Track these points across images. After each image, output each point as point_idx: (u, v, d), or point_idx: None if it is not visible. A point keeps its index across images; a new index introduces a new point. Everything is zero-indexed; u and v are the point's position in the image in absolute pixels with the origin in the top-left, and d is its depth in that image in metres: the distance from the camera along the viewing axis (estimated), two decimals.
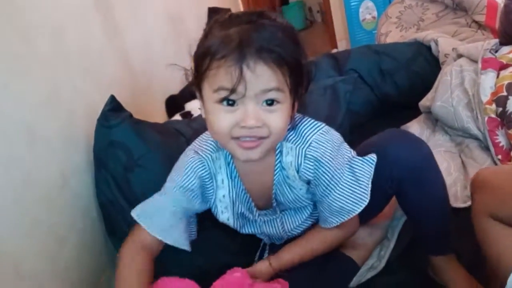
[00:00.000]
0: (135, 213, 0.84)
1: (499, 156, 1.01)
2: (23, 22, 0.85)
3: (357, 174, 0.78)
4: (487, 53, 1.07)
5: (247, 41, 0.64)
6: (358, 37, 3.01)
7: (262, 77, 0.65)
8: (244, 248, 0.99)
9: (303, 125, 0.79)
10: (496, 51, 1.08)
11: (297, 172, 0.78)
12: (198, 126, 1.12)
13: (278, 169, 0.80)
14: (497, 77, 1.03)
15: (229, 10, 2.65)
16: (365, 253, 0.95)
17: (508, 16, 1.06)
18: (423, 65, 1.37)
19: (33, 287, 0.77)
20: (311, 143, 0.76)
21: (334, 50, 3.32)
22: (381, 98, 1.36)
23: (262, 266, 0.85)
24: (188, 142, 1.04)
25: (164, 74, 1.73)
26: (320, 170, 0.77)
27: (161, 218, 0.83)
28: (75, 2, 1.10)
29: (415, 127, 1.25)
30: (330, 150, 0.77)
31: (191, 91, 1.83)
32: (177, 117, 1.64)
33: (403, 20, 1.65)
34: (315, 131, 0.77)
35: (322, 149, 0.76)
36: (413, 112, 1.32)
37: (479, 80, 1.05)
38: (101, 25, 1.22)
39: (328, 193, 0.78)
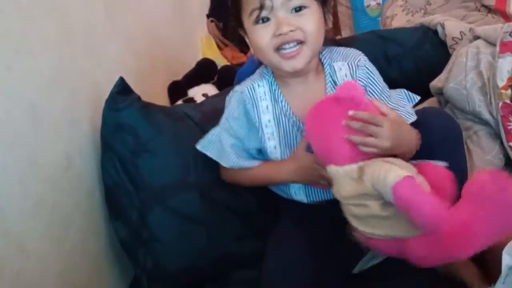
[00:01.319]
0: (199, 146, 0.95)
1: (511, 143, 1.00)
2: (27, 2, 0.84)
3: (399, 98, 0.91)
4: (507, 36, 1.04)
5: None
6: (362, 25, 2.97)
7: None
8: None
9: (346, 50, 0.92)
10: None
11: (353, 79, 0.87)
12: (207, 110, 1.10)
13: (329, 87, 0.89)
14: None
15: None
16: None
17: None
18: (429, 50, 1.35)
19: (39, 267, 0.77)
20: (360, 58, 0.90)
21: (338, 37, 3.29)
22: (387, 84, 1.34)
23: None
24: (197, 125, 1.03)
25: (169, 57, 1.72)
26: (372, 79, 0.89)
27: (219, 146, 0.92)
28: None
29: None
30: (374, 70, 0.91)
31: (195, 76, 1.83)
32: (180, 103, 1.63)
33: (409, 3, 1.63)
34: (359, 54, 0.91)
35: (370, 64, 0.91)
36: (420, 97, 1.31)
37: (496, 64, 1.02)
38: (104, 6, 1.21)
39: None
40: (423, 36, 1.36)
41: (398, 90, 0.93)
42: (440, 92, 1.17)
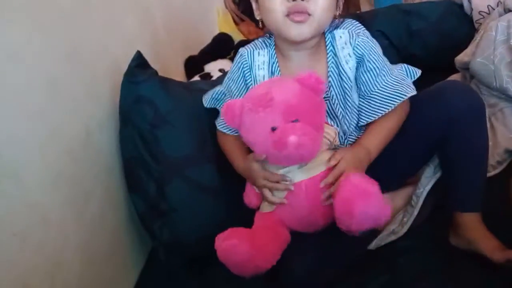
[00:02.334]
0: (204, 100, 1.02)
1: None
2: None
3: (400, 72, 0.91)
4: None
5: None
6: (382, 0, 2.90)
7: None
8: None
9: (351, 22, 0.91)
10: None
11: (352, 46, 0.87)
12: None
13: (330, 57, 0.89)
14: None
15: None
16: None
17: None
18: (454, 24, 1.31)
19: (60, 235, 0.79)
20: (360, 28, 0.90)
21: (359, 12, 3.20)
22: (407, 60, 1.31)
23: (361, 154, 0.84)
24: None
25: (185, 31, 1.71)
26: (372, 49, 0.87)
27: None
28: None
29: None
30: (376, 44, 0.90)
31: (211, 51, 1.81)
32: (196, 78, 1.62)
33: None
34: (363, 28, 0.90)
35: (372, 39, 0.89)
36: (441, 75, 1.27)
37: None
38: None
39: (382, 77, 0.87)
40: (448, 10, 1.33)
41: (399, 65, 0.93)
42: (466, 67, 1.13)
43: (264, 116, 0.75)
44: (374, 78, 0.87)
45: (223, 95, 0.99)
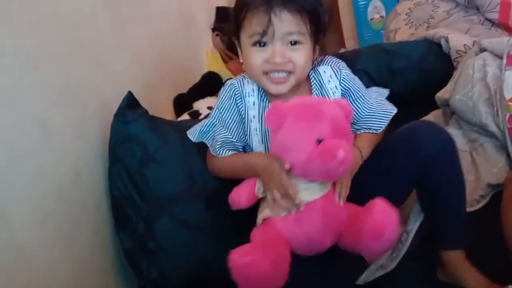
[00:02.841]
0: (190, 134, 1.00)
1: None
2: (33, 18, 0.86)
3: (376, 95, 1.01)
4: None
5: None
6: (366, 37, 3.00)
7: (287, 22, 0.83)
8: None
9: (330, 58, 0.98)
10: None
11: (338, 80, 0.95)
12: None
13: (316, 90, 0.95)
14: None
15: None
16: None
17: None
18: (434, 63, 1.36)
19: (48, 274, 0.78)
20: (339, 62, 0.98)
21: (342, 50, 3.31)
22: (391, 97, 1.35)
23: (357, 157, 0.88)
24: None
25: (175, 70, 1.74)
26: (355, 82, 0.96)
27: (212, 136, 0.97)
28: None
29: None
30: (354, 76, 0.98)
31: (199, 89, 1.84)
32: (185, 116, 1.64)
33: (412, 17, 1.64)
34: (341, 62, 0.99)
35: (350, 71, 0.98)
36: (423, 110, 1.31)
37: (503, 77, 1.03)
38: (111, 21, 1.22)
39: (367, 101, 0.96)
40: (427, 49, 1.38)
41: (370, 88, 1.03)
42: (446, 104, 1.17)
43: (312, 125, 0.76)
44: (362, 104, 0.96)
45: (213, 127, 0.98)
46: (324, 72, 0.95)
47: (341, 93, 0.95)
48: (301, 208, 0.79)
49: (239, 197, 0.85)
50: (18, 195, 0.72)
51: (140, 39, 1.44)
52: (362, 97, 0.96)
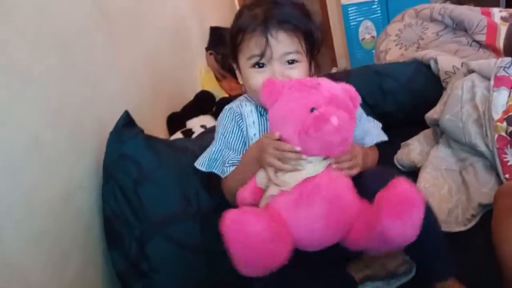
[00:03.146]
0: (199, 165, 0.97)
1: (507, 175, 1.01)
2: (30, 35, 0.87)
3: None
4: (501, 71, 1.07)
5: (270, 17, 0.85)
6: (357, 56, 3.05)
7: (283, 43, 0.86)
8: None
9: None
10: (508, 69, 1.08)
11: None
12: (206, 143, 1.12)
13: None
14: (509, 95, 1.03)
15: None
16: None
17: None
18: (423, 83, 1.39)
19: None
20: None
21: (334, 69, 3.35)
22: (381, 117, 1.37)
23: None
24: (197, 157, 1.05)
25: (169, 89, 1.75)
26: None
27: (222, 162, 0.95)
28: (78, 15, 1.11)
29: (414, 144, 1.26)
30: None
31: (193, 107, 1.85)
32: (178, 134, 1.65)
33: (402, 38, 1.67)
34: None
35: None
36: (414, 129, 1.33)
37: (491, 98, 1.05)
38: (106, 40, 1.24)
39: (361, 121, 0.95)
40: (416, 70, 1.41)
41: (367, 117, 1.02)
42: (436, 124, 1.19)
43: (307, 95, 0.75)
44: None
45: (221, 152, 0.96)
46: None
47: None
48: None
49: (243, 191, 0.81)
50: (10, 213, 0.72)
51: (135, 58, 1.46)
52: (359, 117, 0.94)
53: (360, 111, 0.97)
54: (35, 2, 0.91)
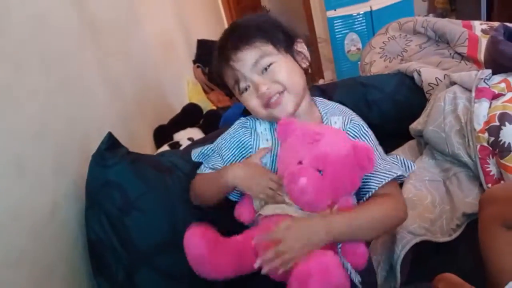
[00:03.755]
0: (193, 154, 1.02)
1: (489, 185, 1.02)
2: (14, 53, 0.86)
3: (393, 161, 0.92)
4: (481, 83, 1.09)
5: (223, 48, 0.90)
6: (343, 68, 3.09)
7: (245, 58, 0.87)
8: None
9: (343, 108, 1.00)
10: (488, 80, 1.10)
11: (344, 130, 0.92)
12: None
13: None
14: (490, 106, 1.05)
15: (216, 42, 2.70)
16: None
17: (496, 47, 1.10)
18: (407, 94, 1.40)
19: None
20: (354, 116, 0.97)
21: (321, 81, 3.39)
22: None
23: (317, 227, 0.75)
24: (187, 176, 1.04)
25: (156, 102, 1.75)
26: (362, 135, 0.93)
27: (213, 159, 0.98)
28: (65, 31, 1.11)
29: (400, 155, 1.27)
30: (369, 131, 0.95)
31: (180, 121, 1.84)
32: (165, 147, 1.64)
33: (386, 50, 1.70)
34: (356, 115, 0.98)
35: (364, 124, 0.96)
36: (399, 141, 1.34)
37: (472, 109, 1.06)
38: (93, 55, 1.24)
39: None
40: (400, 82, 1.42)
41: (394, 156, 0.95)
42: (420, 135, 1.20)
43: (302, 148, 0.79)
44: None
45: (212, 152, 1.00)
46: (335, 123, 0.95)
47: None
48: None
49: (241, 211, 0.89)
50: None
51: (121, 71, 1.46)
52: None
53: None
54: (21, 21, 0.90)
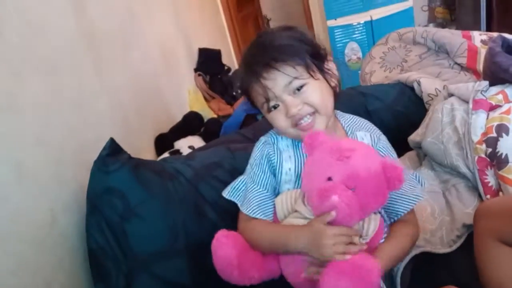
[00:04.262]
0: (225, 192, 0.98)
1: (488, 196, 1.02)
2: (15, 60, 0.87)
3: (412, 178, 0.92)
4: (478, 94, 1.10)
5: (255, 64, 0.86)
6: (343, 77, 3.10)
7: (278, 78, 0.85)
8: None
9: (364, 121, 1.00)
10: (485, 92, 1.11)
11: (375, 149, 0.90)
12: (198, 166, 1.10)
13: None
14: (487, 118, 1.05)
15: (219, 51, 2.72)
16: None
17: (493, 59, 1.11)
18: (407, 105, 1.41)
19: None
20: (379, 133, 0.97)
21: None
22: None
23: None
24: (189, 182, 1.03)
25: (157, 110, 1.75)
26: (390, 152, 0.93)
27: (245, 193, 0.95)
28: (66, 42, 1.12)
29: None
30: (392, 148, 0.95)
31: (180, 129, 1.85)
32: (166, 155, 1.64)
33: (386, 60, 1.71)
34: (379, 131, 0.98)
35: (388, 142, 0.95)
36: (398, 151, 1.34)
37: (470, 120, 1.07)
38: (92, 64, 1.24)
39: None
40: (401, 92, 1.43)
41: (413, 172, 0.95)
42: (419, 146, 1.21)
43: (331, 163, 0.76)
44: None
45: (244, 184, 0.95)
46: (363, 139, 0.94)
47: None
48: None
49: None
50: None
51: (121, 80, 1.47)
52: None
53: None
54: (20, 29, 0.91)
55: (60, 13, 1.14)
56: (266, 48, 0.87)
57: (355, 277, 0.68)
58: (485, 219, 0.78)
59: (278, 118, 0.88)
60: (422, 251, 0.96)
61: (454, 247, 1.02)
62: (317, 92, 0.87)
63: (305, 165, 0.85)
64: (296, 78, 0.85)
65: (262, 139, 0.98)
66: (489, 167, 1.03)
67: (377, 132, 0.97)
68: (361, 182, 0.75)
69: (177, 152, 1.68)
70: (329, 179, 0.76)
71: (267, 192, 0.93)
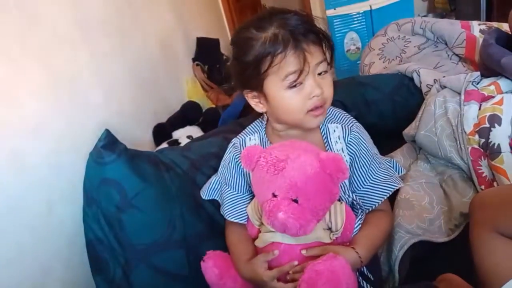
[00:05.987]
0: (202, 193, 1.02)
1: (482, 186, 1.03)
2: (10, 50, 0.86)
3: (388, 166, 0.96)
4: (470, 85, 1.10)
5: (293, 30, 0.81)
6: (343, 68, 3.09)
7: (315, 53, 0.83)
8: None
9: (340, 112, 0.98)
10: (478, 83, 1.11)
11: (345, 143, 0.91)
12: (194, 157, 1.11)
13: (327, 147, 0.93)
14: (479, 108, 1.06)
15: (217, 40, 2.70)
16: None
17: (486, 50, 1.10)
18: (406, 95, 1.41)
19: None
20: (353, 124, 0.95)
21: None
22: (365, 128, 1.38)
23: (351, 256, 0.81)
24: (186, 173, 1.03)
25: (154, 100, 1.75)
26: (363, 146, 0.92)
27: (222, 194, 0.98)
28: (61, 30, 1.11)
29: (398, 157, 1.28)
30: (366, 137, 0.95)
31: (178, 119, 1.84)
32: (164, 145, 1.64)
33: (385, 52, 1.70)
34: (354, 121, 0.97)
35: (363, 131, 0.95)
36: (397, 141, 1.35)
37: (462, 112, 1.07)
38: (89, 54, 1.24)
39: (372, 171, 0.92)
40: (400, 82, 1.43)
41: (388, 158, 0.99)
42: (413, 139, 1.21)
43: (270, 179, 0.78)
44: (365, 174, 0.92)
45: (219, 184, 1.00)
46: (334, 131, 0.94)
47: (349, 156, 0.92)
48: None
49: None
50: None
51: (119, 70, 1.46)
52: (367, 164, 0.92)
53: (363, 162, 0.93)
54: (17, 20, 0.90)
55: (56, 1, 1.13)
56: (309, 23, 0.85)
57: (326, 284, 0.72)
58: (480, 210, 0.79)
59: (296, 98, 0.85)
60: (421, 240, 0.97)
61: (453, 236, 1.02)
62: (330, 82, 0.88)
63: (252, 184, 0.86)
64: (324, 62, 0.85)
65: (233, 140, 1.00)
66: (482, 158, 1.04)
67: (350, 123, 0.96)
68: (301, 190, 0.76)
69: (176, 142, 1.68)
70: (273, 195, 0.77)
71: (238, 193, 0.95)
